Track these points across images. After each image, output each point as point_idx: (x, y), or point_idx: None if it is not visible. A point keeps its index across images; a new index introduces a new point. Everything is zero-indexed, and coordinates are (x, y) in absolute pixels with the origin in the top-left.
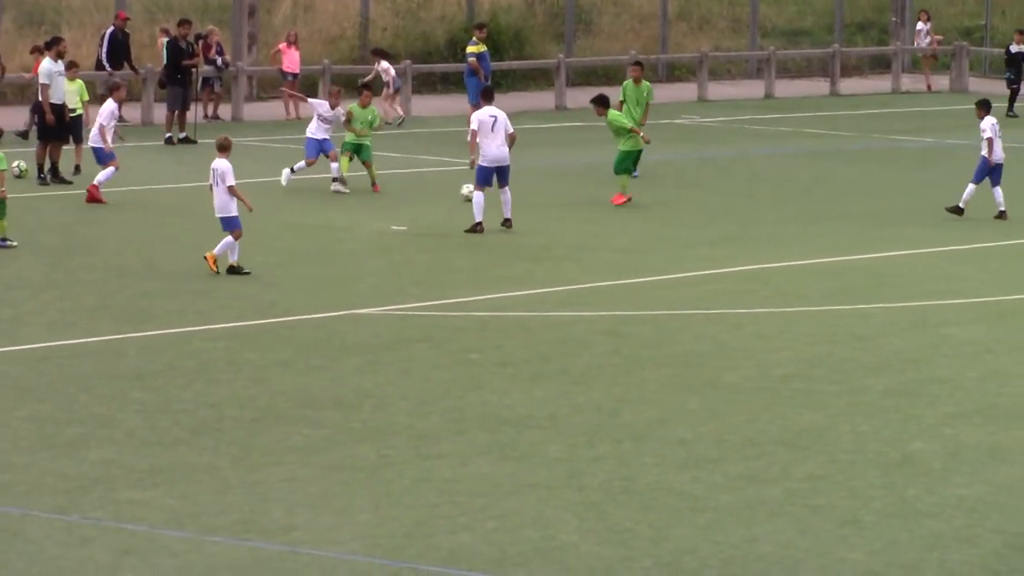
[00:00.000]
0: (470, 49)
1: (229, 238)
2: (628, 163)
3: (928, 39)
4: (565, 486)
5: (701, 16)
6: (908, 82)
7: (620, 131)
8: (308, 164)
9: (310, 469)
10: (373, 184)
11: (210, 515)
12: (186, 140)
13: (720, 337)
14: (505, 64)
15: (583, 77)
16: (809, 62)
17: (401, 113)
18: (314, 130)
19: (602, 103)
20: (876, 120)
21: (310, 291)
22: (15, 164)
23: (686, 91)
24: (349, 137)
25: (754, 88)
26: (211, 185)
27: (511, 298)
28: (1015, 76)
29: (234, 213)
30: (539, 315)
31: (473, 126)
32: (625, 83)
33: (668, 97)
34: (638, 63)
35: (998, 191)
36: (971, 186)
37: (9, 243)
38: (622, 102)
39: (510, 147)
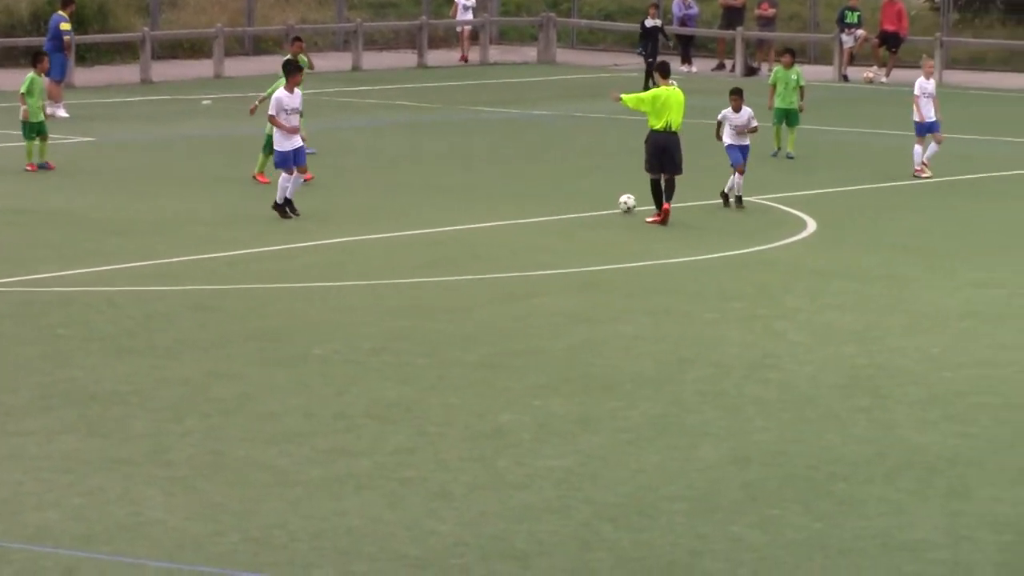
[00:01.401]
0: (64, 27)
1: None
2: None
3: (470, 12)
4: (152, 462)
5: None
6: (496, 53)
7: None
8: None
9: None
10: None
11: None
12: None
13: (308, 311)
14: (89, 38)
15: (169, 50)
16: (396, 34)
17: None
18: None
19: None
20: (464, 92)
21: None
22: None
23: (272, 64)
24: None
25: (342, 60)
26: None
27: (98, 273)
28: (651, 51)
29: None
30: (126, 290)
31: (272, 111)
32: (776, 69)
33: (257, 70)
34: (789, 51)
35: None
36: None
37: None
38: (773, 86)
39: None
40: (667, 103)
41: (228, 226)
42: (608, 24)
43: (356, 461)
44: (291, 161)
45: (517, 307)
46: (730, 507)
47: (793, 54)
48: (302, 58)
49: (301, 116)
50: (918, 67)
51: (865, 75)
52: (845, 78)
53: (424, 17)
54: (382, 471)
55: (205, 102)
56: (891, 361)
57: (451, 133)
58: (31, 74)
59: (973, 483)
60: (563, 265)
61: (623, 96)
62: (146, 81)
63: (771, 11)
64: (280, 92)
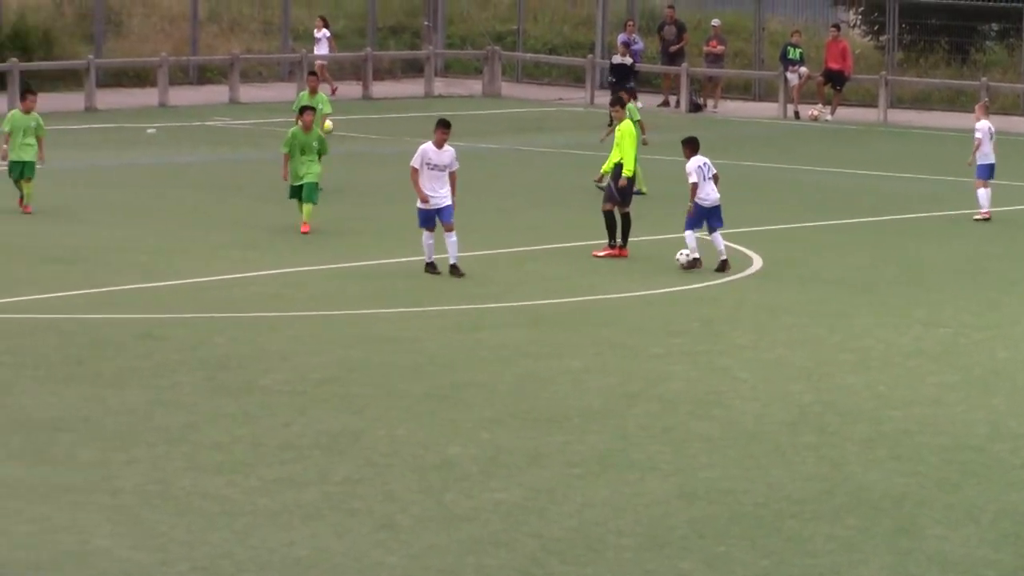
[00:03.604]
0: None
1: None
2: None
3: (325, 46)
4: (99, 490)
5: (232, 18)
6: (441, 86)
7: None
8: None
9: None
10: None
11: None
12: None
13: (255, 340)
14: (34, 65)
15: (113, 78)
16: (341, 65)
17: None
18: None
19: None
20: (409, 124)
21: None
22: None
23: (217, 93)
24: None
25: (287, 91)
26: None
27: (42, 300)
28: (617, 87)
29: None
30: (71, 317)
31: (415, 163)
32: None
33: (199, 99)
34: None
35: (717, 237)
36: (688, 233)
37: None
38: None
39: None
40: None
41: (173, 255)
42: (553, 58)
43: (303, 492)
44: (433, 220)
45: (465, 339)
46: (678, 543)
47: (317, 77)
48: (321, 96)
49: (441, 169)
50: (863, 105)
51: (810, 113)
52: (796, 115)
53: (369, 49)
54: (329, 502)
55: (150, 130)
56: (838, 399)
57: (396, 165)
58: (13, 111)
59: (921, 522)
60: (510, 298)
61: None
62: (91, 109)
63: (720, 48)
64: (426, 145)
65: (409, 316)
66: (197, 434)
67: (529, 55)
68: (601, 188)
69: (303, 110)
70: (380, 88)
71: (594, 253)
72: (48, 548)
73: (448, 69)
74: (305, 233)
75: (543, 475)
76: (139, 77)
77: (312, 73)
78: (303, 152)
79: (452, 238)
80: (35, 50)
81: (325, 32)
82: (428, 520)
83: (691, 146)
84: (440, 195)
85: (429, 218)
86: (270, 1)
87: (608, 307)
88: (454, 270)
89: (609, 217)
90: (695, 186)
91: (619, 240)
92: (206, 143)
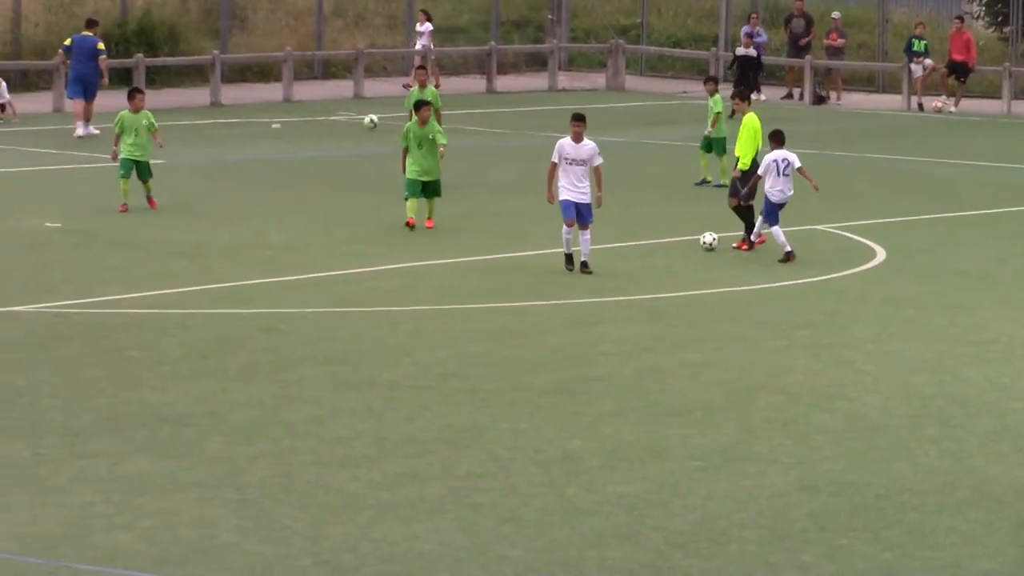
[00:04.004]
0: (101, 46)
1: None
2: None
3: (428, 39)
4: (224, 484)
5: (357, 13)
6: (564, 80)
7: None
8: None
9: None
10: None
11: None
12: None
13: (378, 335)
14: (160, 60)
15: (238, 74)
16: (465, 59)
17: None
18: None
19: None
20: (533, 118)
21: None
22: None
23: (342, 88)
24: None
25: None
26: None
27: (168, 295)
28: (740, 79)
29: None
30: (196, 312)
31: (555, 158)
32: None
33: (324, 94)
34: (712, 78)
35: (777, 230)
36: (775, 229)
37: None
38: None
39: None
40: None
41: (297, 249)
42: (677, 51)
43: (427, 486)
44: (573, 213)
45: (587, 333)
46: (799, 536)
47: (716, 81)
48: (431, 90)
49: (580, 164)
50: (986, 97)
51: (934, 105)
52: (920, 107)
53: (493, 43)
54: (453, 496)
55: (275, 125)
56: (961, 391)
57: (520, 159)
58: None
59: None
60: (631, 292)
61: (740, 166)
62: (216, 104)
63: (840, 40)
64: (563, 140)
65: (531, 310)
66: (321, 428)
67: (653, 48)
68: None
69: (418, 105)
70: (504, 82)
71: (734, 245)
72: (174, 542)
73: (572, 63)
74: (430, 228)
75: (665, 468)
76: (264, 72)
77: (420, 67)
78: (420, 146)
79: (586, 236)
80: (160, 46)
81: (428, 26)
82: (551, 514)
83: (777, 140)
84: (579, 190)
85: (569, 210)
86: None
87: (729, 300)
88: (584, 267)
89: (738, 211)
90: (758, 178)
91: (745, 233)
92: (330, 138)
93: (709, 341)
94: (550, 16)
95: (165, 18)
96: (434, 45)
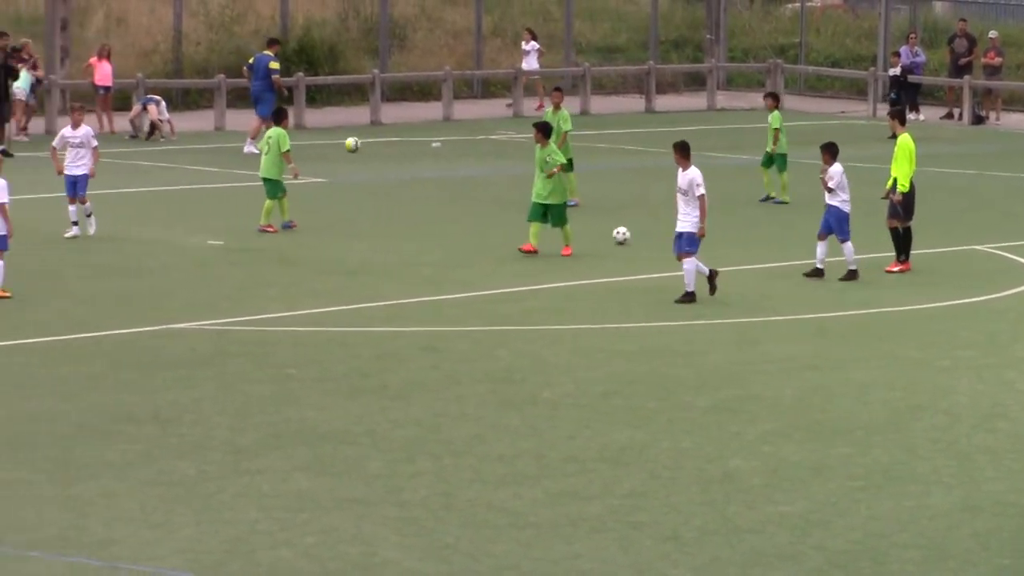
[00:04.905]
0: (273, 65)
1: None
2: None
3: (534, 59)
4: (385, 502)
5: (516, 32)
6: (723, 100)
7: None
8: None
9: (128, 484)
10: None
11: (29, 530)
12: (4, 153)
13: (539, 353)
14: (320, 79)
15: (397, 92)
16: (624, 79)
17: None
18: (67, 164)
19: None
20: (691, 137)
21: (124, 306)
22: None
23: (500, 107)
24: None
25: (569, 104)
26: None
27: (328, 313)
28: (897, 97)
29: (3, 232)
30: (356, 330)
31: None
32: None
33: (482, 113)
34: (772, 94)
35: (847, 246)
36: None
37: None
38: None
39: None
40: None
41: (457, 267)
42: (835, 71)
43: (588, 504)
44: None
45: (748, 352)
46: (962, 556)
47: (776, 98)
48: (563, 112)
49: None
50: None
51: None
52: None
53: (652, 62)
54: (614, 514)
55: (435, 144)
56: None
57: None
58: (281, 130)
59: None
60: (792, 311)
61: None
62: (375, 123)
63: (997, 59)
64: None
65: (691, 329)
66: (482, 446)
67: (811, 68)
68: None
69: (536, 127)
70: (662, 101)
71: (887, 268)
72: (335, 559)
73: (730, 83)
74: (566, 256)
75: (827, 488)
76: (423, 91)
77: (557, 89)
78: (540, 169)
79: (685, 265)
80: (320, 65)
81: (534, 44)
82: (712, 533)
83: (831, 152)
84: (681, 217)
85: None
86: (553, 15)
87: (891, 320)
88: (682, 297)
89: (894, 233)
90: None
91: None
92: (490, 157)
93: (871, 360)
94: (709, 36)
95: (325, 37)
96: (540, 64)
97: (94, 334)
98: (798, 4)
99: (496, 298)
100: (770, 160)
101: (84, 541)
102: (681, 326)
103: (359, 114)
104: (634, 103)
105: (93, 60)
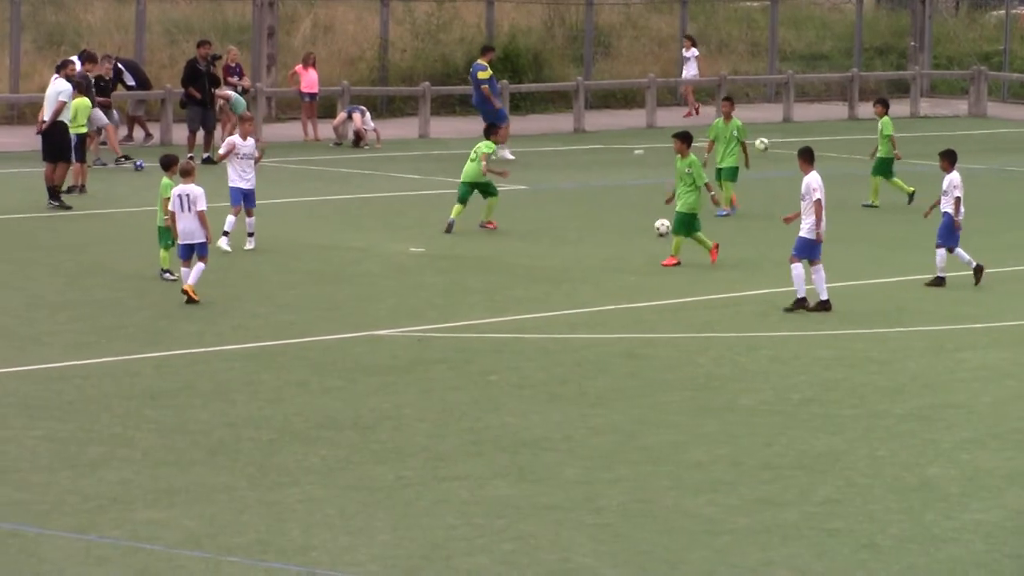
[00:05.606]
0: (482, 75)
1: (201, 264)
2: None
3: (694, 66)
4: (582, 508)
5: (720, 40)
6: (926, 107)
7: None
8: (234, 213)
9: (328, 490)
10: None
11: (227, 535)
12: (208, 161)
13: (737, 360)
14: (524, 87)
15: (602, 100)
16: (827, 86)
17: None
18: (234, 177)
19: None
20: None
21: (327, 312)
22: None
23: (705, 115)
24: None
25: (772, 112)
26: (174, 211)
27: (528, 320)
28: None
29: (203, 239)
30: (556, 337)
31: (819, 194)
32: (716, 121)
33: (687, 121)
34: (728, 99)
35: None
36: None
37: (168, 276)
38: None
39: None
40: None
41: (657, 275)
42: None
43: (783, 511)
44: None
45: (945, 360)
46: None
47: (886, 103)
48: (736, 122)
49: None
50: None
51: None
52: None
53: (855, 69)
54: (809, 521)
55: (637, 151)
56: None
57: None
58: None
59: None
60: (991, 319)
61: None
62: (579, 130)
63: None
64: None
65: (888, 336)
66: (680, 453)
67: (1015, 75)
68: None
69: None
70: (866, 108)
71: None
72: (531, 566)
73: (934, 89)
74: (665, 266)
75: (1022, 496)
76: (626, 98)
77: (727, 99)
78: (680, 179)
79: (815, 272)
80: (525, 72)
81: (694, 51)
82: (909, 541)
83: (949, 159)
84: (802, 224)
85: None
86: (758, 22)
87: None
88: (814, 305)
89: None
90: (959, 200)
91: None
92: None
93: None
94: (912, 43)
95: (530, 45)
96: (701, 73)
97: (299, 340)
98: (1002, 11)
99: (696, 304)
100: (885, 166)
101: (282, 546)
102: (877, 333)
103: (563, 121)
104: (837, 110)
105: (299, 68)
